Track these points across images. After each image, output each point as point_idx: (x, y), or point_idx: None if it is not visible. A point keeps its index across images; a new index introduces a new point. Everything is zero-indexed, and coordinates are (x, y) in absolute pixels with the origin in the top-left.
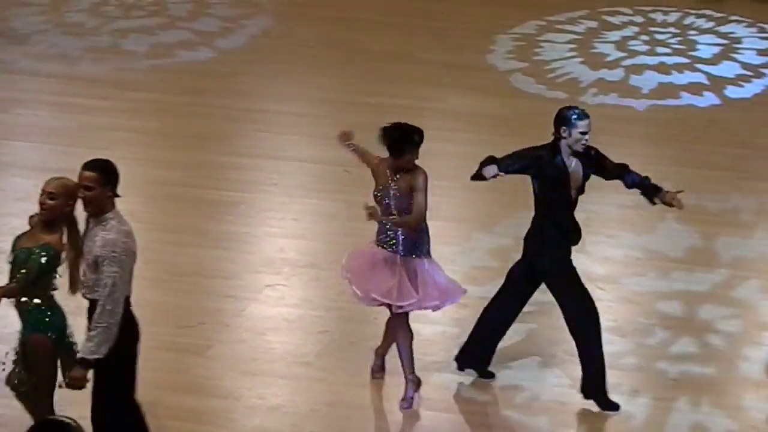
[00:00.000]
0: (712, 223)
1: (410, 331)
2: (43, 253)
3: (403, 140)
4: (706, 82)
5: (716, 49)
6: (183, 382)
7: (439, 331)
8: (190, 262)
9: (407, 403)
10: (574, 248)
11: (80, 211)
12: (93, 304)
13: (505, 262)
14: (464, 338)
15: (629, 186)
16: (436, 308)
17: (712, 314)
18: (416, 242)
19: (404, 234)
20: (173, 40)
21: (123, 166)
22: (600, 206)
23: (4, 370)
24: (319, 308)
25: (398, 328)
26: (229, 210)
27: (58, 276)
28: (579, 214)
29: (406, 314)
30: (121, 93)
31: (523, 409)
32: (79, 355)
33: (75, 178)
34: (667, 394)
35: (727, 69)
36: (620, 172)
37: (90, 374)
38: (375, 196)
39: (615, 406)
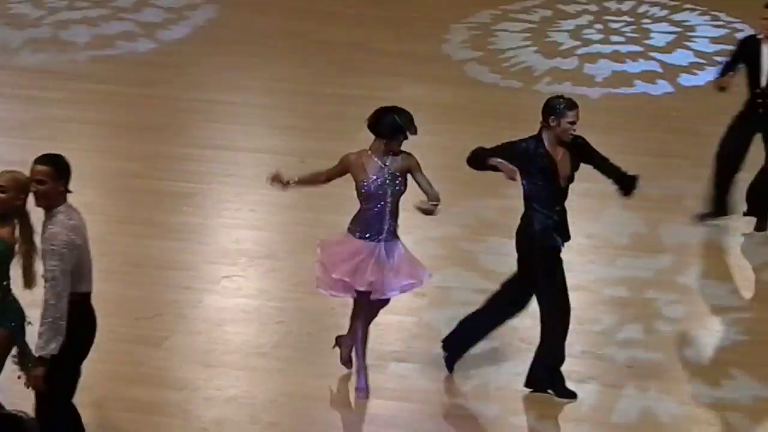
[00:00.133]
0: (656, 209)
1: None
2: None
3: (398, 126)
4: (660, 70)
5: (670, 38)
6: (139, 373)
7: (395, 320)
8: (147, 253)
9: (364, 393)
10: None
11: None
12: None
13: (457, 251)
14: (421, 328)
15: (616, 184)
16: (412, 287)
17: (657, 300)
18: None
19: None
20: (114, 32)
21: (78, 158)
22: None
23: None
24: (275, 299)
25: (363, 313)
26: (185, 201)
27: (11, 269)
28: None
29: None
30: (71, 84)
31: (480, 397)
32: (35, 354)
33: (27, 172)
34: (615, 380)
35: (680, 57)
36: (607, 168)
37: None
38: (364, 187)
39: (572, 394)
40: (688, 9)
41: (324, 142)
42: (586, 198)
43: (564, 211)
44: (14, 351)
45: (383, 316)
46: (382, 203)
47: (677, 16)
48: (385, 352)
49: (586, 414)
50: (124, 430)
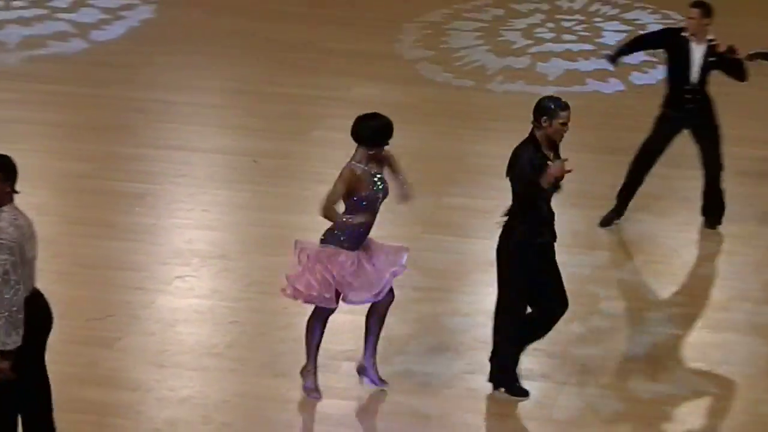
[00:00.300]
0: (595, 206)
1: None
2: None
3: (387, 130)
4: (611, 68)
5: (621, 36)
6: (92, 375)
7: (348, 319)
8: (99, 254)
9: (318, 393)
10: (463, 235)
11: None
12: None
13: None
14: None
15: None
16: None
17: (595, 296)
18: None
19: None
20: (48, 31)
21: (28, 159)
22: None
23: None
24: (228, 299)
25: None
26: (137, 202)
27: None
28: (476, 202)
29: None
30: (13, 84)
31: (432, 396)
32: None
33: None
34: (556, 376)
35: (632, 56)
36: None
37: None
38: (363, 200)
39: (524, 392)
40: (639, 7)
41: (276, 141)
42: None
43: (553, 213)
44: None
45: (335, 315)
46: (376, 211)
47: (628, 15)
48: (337, 352)
49: (528, 410)
50: None
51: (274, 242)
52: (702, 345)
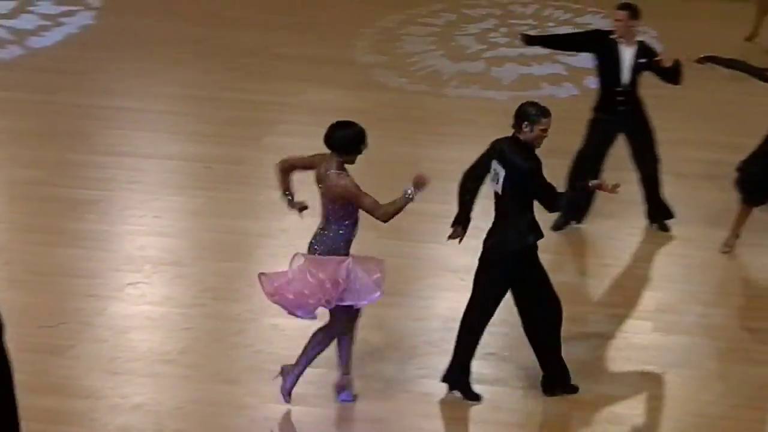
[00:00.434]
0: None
1: None
2: None
3: (361, 138)
4: (565, 73)
5: None
6: (43, 383)
7: (306, 324)
8: (50, 261)
9: (290, 398)
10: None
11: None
12: None
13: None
14: None
15: None
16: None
17: None
18: None
19: None
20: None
21: None
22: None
23: None
24: (181, 305)
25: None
26: (88, 208)
27: None
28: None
29: None
30: None
31: (385, 400)
32: None
33: None
34: (502, 379)
35: (584, 60)
36: None
37: None
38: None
39: (477, 396)
40: (591, 12)
41: (228, 147)
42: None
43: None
44: None
45: (291, 321)
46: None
47: (580, 19)
48: (292, 358)
49: (479, 413)
50: None
51: (227, 248)
52: (652, 347)
